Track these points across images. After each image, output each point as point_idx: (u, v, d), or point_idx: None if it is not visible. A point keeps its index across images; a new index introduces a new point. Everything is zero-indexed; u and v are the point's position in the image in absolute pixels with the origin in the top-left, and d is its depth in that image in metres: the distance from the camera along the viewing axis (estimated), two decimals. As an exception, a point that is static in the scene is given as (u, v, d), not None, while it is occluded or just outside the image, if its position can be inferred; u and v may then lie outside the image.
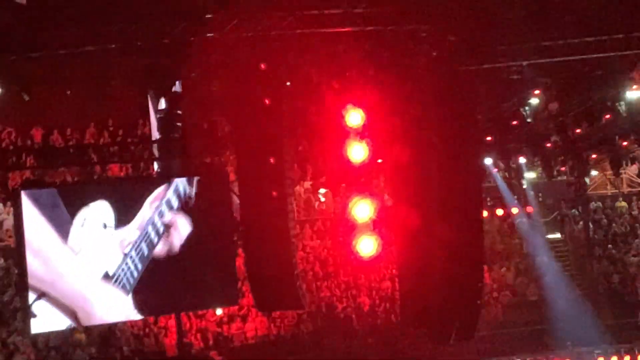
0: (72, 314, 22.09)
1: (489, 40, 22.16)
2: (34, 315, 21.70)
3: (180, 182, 23.03)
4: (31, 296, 21.65)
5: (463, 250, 21.68)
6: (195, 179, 23.16)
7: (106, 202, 22.22)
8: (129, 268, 22.43)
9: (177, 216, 22.94)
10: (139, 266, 22.47)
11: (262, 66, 21.99)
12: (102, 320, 23.22)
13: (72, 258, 21.99)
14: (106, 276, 22.26)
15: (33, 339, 25.31)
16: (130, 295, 22.43)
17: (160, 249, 22.62)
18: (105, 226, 22.21)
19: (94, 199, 22.15)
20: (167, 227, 22.76)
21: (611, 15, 22.22)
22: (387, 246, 28.50)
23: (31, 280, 21.68)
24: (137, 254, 22.47)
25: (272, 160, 22.77)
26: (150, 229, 22.65)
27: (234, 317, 28.43)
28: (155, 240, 22.66)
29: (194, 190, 23.14)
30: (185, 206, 22.98)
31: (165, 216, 22.73)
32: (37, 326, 22.28)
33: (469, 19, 21.18)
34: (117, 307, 22.54)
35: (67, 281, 21.99)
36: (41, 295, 21.60)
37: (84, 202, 22.07)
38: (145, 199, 22.70)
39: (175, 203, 22.97)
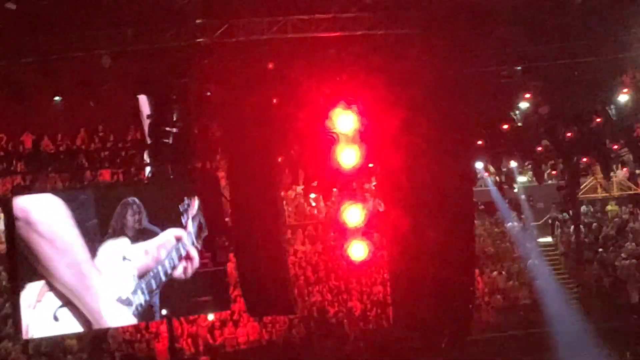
0: (88, 325, 23.16)
1: (479, 44, 22.19)
2: (57, 319, 22.70)
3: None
4: (57, 302, 22.63)
5: (454, 254, 21.70)
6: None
7: (128, 240, 23.39)
8: (138, 296, 23.51)
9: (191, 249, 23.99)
10: (147, 297, 23.60)
11: (252, 72, 22.03)
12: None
13: (98, 277, 23.08)
14: (120, 299, 23.30)
15: (24, 345, 25.23)
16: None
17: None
18: (124, 259, 23.39)
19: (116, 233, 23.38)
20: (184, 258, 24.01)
21: (601, 19, 22.27)
22: (378, 250, 28.61)
23: (61, 288, 22.70)
24: (147, 287, 23.58)
25: (263, 165, 22.78)
26: (160, 268, 23.67)
27: (225, 323, 28.36)
28: (164, 278, 23.77)
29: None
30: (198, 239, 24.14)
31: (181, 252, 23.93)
32: (30, 332, 22.78)
33: (458, 23, 21.22)
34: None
35: (91, 296, 23.01)
36: (66, 303, 22.71)
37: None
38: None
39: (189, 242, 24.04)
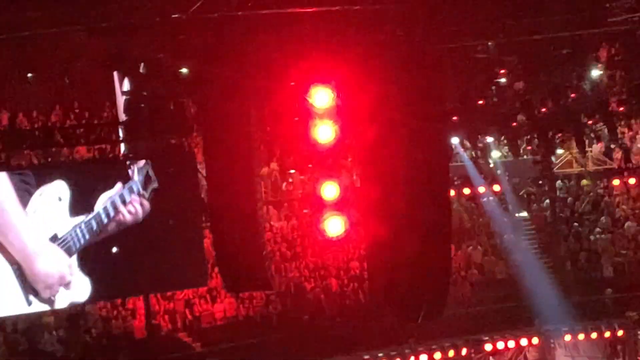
0: (17, 265, 22.90)
1: (455, 18, 22.17)
2: None
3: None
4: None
5: (430, 229, 21.70)
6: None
7: (64, 182, 23.28)
8: (76, 235, 23.36)
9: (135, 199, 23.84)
10: (86, 236, 23.43)
11: (227, 48, 21.95)
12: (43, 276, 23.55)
13: (25, 216, 22.92)
14: (54, 237, 23.17)
15: (0, 323, 25.21)
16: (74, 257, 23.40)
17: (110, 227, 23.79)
18: (60, 199, 23.32)
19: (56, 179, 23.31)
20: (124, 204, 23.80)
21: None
22: (355, 226, 28.67)
23: None
24: (86, 227, 23.41)
25: (239, 142, 22.75)
26: (101, 211, 23.53)
27: (202, 299, 28.39)
28: (105, 220, 23.60)
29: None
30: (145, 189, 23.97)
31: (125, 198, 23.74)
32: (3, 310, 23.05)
33: (434, -2, 21.19)
34: (57, 266, 23.36)
35: (16, 233, 22.88)
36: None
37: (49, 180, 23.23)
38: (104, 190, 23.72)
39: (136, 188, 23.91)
